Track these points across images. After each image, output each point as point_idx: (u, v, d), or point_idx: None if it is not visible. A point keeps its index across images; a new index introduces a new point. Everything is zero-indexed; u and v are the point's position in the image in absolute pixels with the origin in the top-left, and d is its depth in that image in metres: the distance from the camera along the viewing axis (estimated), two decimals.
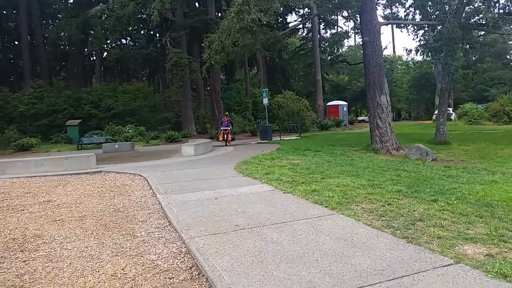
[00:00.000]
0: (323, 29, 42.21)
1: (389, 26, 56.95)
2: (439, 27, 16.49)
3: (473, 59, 33.04)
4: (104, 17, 27.89)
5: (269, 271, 3.25)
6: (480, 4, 16.31)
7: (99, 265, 3.84)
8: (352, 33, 44.59)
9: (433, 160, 10.93)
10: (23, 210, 6.33)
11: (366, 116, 42.00)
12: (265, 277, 3.13)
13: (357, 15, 17.62)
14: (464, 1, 15.90)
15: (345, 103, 37.66)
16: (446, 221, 4.45)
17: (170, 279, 3.44)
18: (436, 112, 24.45)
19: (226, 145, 18.48)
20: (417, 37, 23.63)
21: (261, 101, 27.80)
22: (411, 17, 22.32)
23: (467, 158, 11.64)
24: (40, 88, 27.31)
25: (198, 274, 3.48)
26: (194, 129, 27.83)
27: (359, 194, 5.97)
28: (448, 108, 24.72)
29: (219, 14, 29.89)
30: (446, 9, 15.86)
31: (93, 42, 28.17)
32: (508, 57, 45.61)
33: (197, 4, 31.81)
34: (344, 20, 49.04)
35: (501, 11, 17.47)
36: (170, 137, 23.31)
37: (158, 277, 3.48)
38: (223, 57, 15.24)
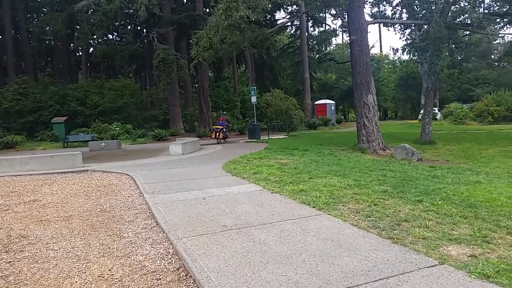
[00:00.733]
0: (311, 27, 42.35)
1: (376, 24, 57.42)
2: (425, 27, 16.70)
3: (459, 58, 33.48)
4: (90, 12, 27.53)
5: (257, 272, 3.27)
6: (466, 4, 16.54)
7: (85, 266, 3.81)
8: (340, 31, 44.73)
9: (418, 160, 11.09)
10: (7, 210, 6.24)
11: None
12: (252, 278, 3.16)
13: (344, 13, 17.74)
14: (450, 0, 16.12)
15: (332, 102, 37.90)
16: (431, 221, 4.54)
17: (158, 280, 3.44)
18: (422, 111, 24.80)
19: (218, 142, 18.75)
20: (404, 36, 23.93)
21: (249, 99, 27.80)
22: (398, 16, 22.51)
23: (452, 158, 11.84)
24: (25, 84, 26.81)
25: (185, 275, 3.49)
26: (182, 127, 27.69)
27: (346, 194, 6.04)
28: (433, 108, 25.12)
29: (207, 10, 29.71)
30: (433, 8, 16.06)
31: (79, 37, 27.80)
32: (492, 57, 46.42)
33: (185, 0, 31.61)
34: (332, 18, 49.28)
35: (485, 11, 17.78)
36: (157, 135, 23.13)
37: (145, 278, 3.47)
38: (211, 54, 15.18)
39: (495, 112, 30.21)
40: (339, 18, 34.20)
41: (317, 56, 44.81)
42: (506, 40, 32.50)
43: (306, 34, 38.47)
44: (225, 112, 23.82)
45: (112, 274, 3.59)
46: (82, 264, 3.87)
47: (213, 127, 19.52)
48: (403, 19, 21.81)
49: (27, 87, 26.67)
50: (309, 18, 39.15)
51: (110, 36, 37.15)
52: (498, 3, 17.59)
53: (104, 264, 3.84)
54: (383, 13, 26.76)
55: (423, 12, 17.00)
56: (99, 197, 6.92)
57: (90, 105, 26.68)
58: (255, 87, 24.37)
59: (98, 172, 9.97)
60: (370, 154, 12.92)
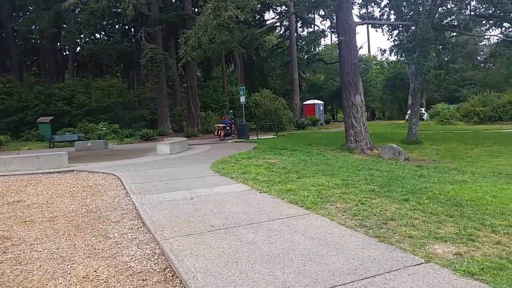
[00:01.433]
0: (300, 27, 42.46)
1: (365, 26, 57.85)
2: (413, 28, 16.86)
3: (445, 59, 33.87)
4: (77, 11, 27.18)
5: (244, 272, 3.26)
6: (453, 5, 16.73)
7: (70, 267, 3.76)
8: (329, 32, 44.97)
9: (405, 159, 11.19)
10: None
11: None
12: (239, 278, 3.14)
13: (333, 14, 17.81)
14: (437, 2, 16.30)
15: (321, 102, 38.03)
16: (417, 220, 4.58)
17: (144, 281, 3.41)
18: (409, 112, 25.03)
19: (220, 139, 20.41)
20: (391, 37, 24.05)
21: (238, 99, 27.75)
22: (386, 17, 22.66)
23: (439, 157, 11.97)
24: (10, 84, 26.36)
25: (172, 276, 3.46)
26: (170, 127, 27.52)
27: (334, 194, 6.06)
28: (420, 108, 25.33)
29: (196, 10, 29.57)
30: (420, 10, 16.22)
31: (65, 36, 27.35)
32: (478, 58, 47.07)
33: None
34: (320, 19, 49.42)
35: (472, 13, 18.02)
36: (145, 135, 22.97)
37: (131, 279, 3.44)
38: (199, 54, 15.10)
39: (481, 112, 30.67)
40: (327, 19, 34.31)
41: (306, 56, 44.95)
42: (492, 41, 33.00)
43: (295, 34, 38.54)
44: (231, 111, 24.27)
45: (98, 275, 3.54)
46: (67, 265, 3.81)
47: (216, 125, 21.35)
48: (391, 20, 22.00)
49: (12, 86, 26.25)
50: (298, 18, 39.27)
51: (98, 35, 36.73)
52: (484, 6, 17.84)
53: (90, 265, 3.79)
54: (371, 14, 26.90)
55: (410, 14, 17.15)
56: (85, 198, 6.84)
57: (76, 105, 26.35)
58: (244, 87, 24.32)
59: (84, 172, 9.85)
60: (358, 153, 13.00)
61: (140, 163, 11.30)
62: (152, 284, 3.34)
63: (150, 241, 4.38)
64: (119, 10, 23.98)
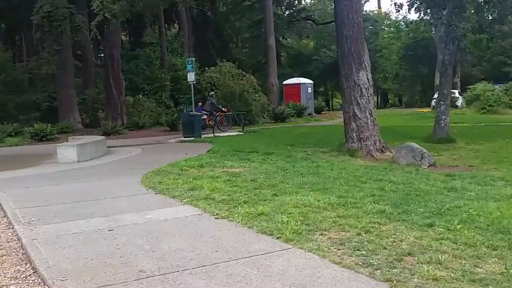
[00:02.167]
0: None
1: None
2: None
3: (489, 18, 34.73)
4: None
5: None
6: None
7: None
8: None
9: (430, 165, 11.43)
10: None
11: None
12: None
13: None
14: None
15: (310, 81, 38.02)
16: (446, 255, 4.67)
17: None
18: (436, 95, 25.57)
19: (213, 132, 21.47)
20: None
21: (184, 77, 27.63)
22: None
23: (478, 162, 12.26)
24: None
25: None
26: (78, 120, 27.16)
27: (326, 218, 6.12)
28: (453, 90, 26.03)
29: None
30: None
31: None
32: None
33: None
34: None
35: None
36: (39, 132, 22.61)
37: None
38: (124, 8, 14.97)
39: None
40: None
41: (287, 13, 45.25)
42: None
43: None
44: (212, 93, 24.25)
45: None
46: None
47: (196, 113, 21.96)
48: None
49: None
50: None
51: None
52: None
53: None
54: None
55: None
56: None
57: None
58: (194, 59, 24.29)
59: None
60: (362, 157, 13.18)
61: (30, 176, 11.09)
62: None
63: None
64: None
